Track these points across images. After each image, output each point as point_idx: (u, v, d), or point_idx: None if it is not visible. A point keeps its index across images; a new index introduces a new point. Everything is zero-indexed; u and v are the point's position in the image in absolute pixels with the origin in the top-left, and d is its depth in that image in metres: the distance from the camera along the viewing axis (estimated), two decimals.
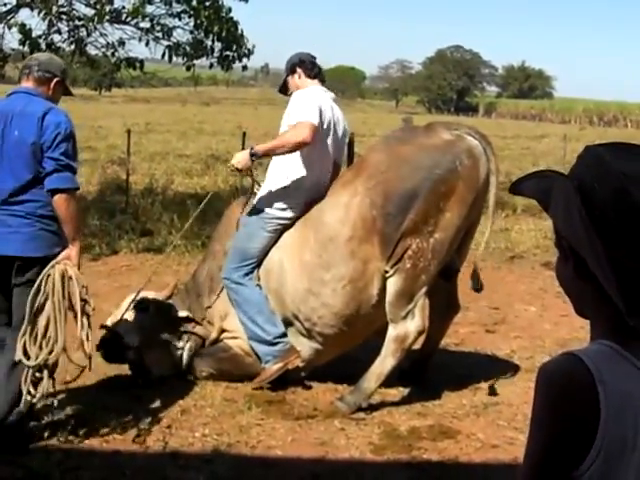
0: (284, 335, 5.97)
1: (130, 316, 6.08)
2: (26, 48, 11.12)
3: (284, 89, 6.38)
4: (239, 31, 12.38)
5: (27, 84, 5.09)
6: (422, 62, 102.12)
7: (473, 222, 5.97)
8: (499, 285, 9.46)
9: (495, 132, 28.95)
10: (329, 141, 6.04)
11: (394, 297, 5.69)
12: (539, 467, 1.65)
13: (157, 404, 5.70)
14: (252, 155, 5.82)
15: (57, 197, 4.82)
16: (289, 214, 5.96)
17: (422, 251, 5.58)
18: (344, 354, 6.17)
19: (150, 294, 6.24)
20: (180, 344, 6.16)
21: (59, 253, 4.93)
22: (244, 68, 13.33)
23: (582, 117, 73.28)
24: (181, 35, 12.47)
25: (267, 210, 5.97)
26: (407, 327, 5.69)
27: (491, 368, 6.71)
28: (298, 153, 5.86)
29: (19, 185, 4.85)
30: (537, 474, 1.66)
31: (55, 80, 5.12)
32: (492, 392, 6.15)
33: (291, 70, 6.25)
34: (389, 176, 5.68)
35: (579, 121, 69.88)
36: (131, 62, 12.55)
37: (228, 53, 12.53)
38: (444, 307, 6.28)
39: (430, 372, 6.34)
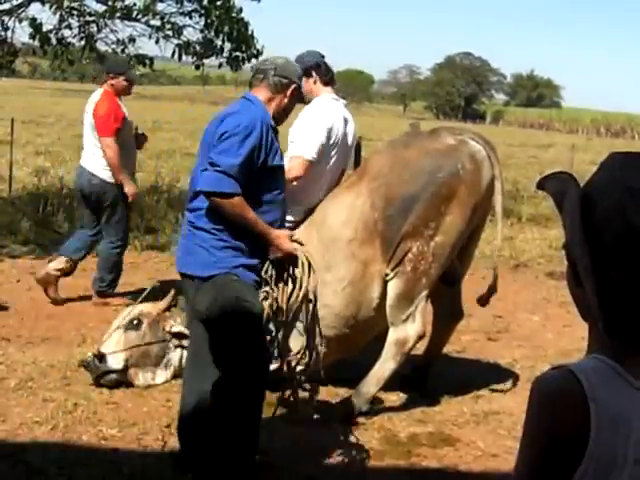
0: None
1: (121, 335, 6.03)
2: (36, 42, 11.13)
3: None
4: (249, 31, 12.38)
5: (254, 90, 4.66)
6: (431, 68, 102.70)
7: (476, 228, 5.96)
8: (502, 293, 9.40)
9: (502, 140, 28.98)
10: (337, 154, 6.03)
11: (394, 300, 5.67)
12: (528, 478, 1.65)
13: (157, 403, 5.69)
14: None
15: (209, 202, 4.33)
16: (294, 216, 5.93)
17: (422, 254, 5.57)
18: (344, 358, 6.15)
19: (147, 306, 6.20)
20: (173, 356, 6.12)
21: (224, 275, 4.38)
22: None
23: (590, 127, 73.31)
24: (191, 34, 12.46)
25: None
26: (407, 331, 5.68)
27: (492, 376, 6.69)
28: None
29: (192, 193, 4.50)
30: None
31: (293, 87, 4.69)
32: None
33: (306, 73, 6.02)
34: (391, 179, 5.67)
35: (586, 131, 69.88)
36: (141, 59, 12.55)
37: (238, 53, 12.52)
38: (447, 314, 6.26)
39: (431, 379, 6.32)
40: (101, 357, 5.89)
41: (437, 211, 5.57)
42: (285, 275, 4.69)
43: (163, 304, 6.17)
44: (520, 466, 1.68)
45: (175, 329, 6.06)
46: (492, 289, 5.96)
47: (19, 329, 7.14)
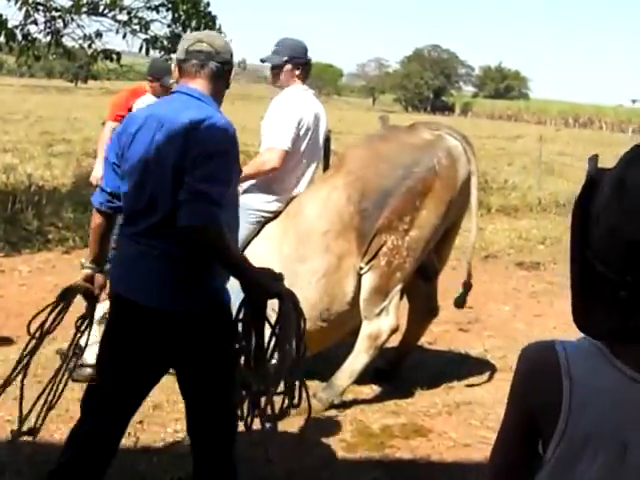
0: None
1: (96, 329, 6.01)
2: (2, 39, 11.04)
3: (274, 67, 6.21)
4: (217, 26, 12.36)
5: (194, 82, 3.81)
6: (399, 61, 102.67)
7: (453, 223, 5.97)
8: (473, 284, 9.45)
9: (471, 132, 29.02)
10: (310, 144, 6.03)
11: (368, 294, 5.69)
12: (506, 441, 1.73)
13: None
14: None
15: (197, 235, 3.50)
16: (271, 207, 5.98)
17: (397, 248, 5.59)
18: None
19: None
20: None
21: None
22: None
23: (557, 118, 73.79)
24: (159, 28, 12.46)
25: (250, 203, 5.96)
26: (380, 325, 5.70)
27: (464, 367, 6.73)
28: None
29: (158, 217, 3.61)
30: (504, 449, 1.74)
31: (232, 72, 3.95)
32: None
33: (296, 64, 6.06)
34: (367, 172, 5.68)
35: (554, 122, 70.29)
36: (108, 54, 12.51)
37: None
38: (422, 309, 6.28)
39: (403, 371, 6.35)
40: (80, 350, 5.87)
41: (412, 206, 5.59)
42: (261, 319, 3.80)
43: None
44: (501, 429, 1.76)
45: None
46: (467, 286, 6.02)
47: None
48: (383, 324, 5.70)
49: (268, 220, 6.00)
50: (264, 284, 3.69)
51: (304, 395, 3.84)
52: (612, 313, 1.61)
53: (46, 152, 19.17)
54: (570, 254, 1.66)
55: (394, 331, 5.81)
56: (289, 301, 3.74)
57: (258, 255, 5.96)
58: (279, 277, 3.81)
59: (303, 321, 3.81)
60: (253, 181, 5.99)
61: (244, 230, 5.94)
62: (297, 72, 6.08)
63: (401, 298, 5.87)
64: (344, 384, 5.76)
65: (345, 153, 6.27)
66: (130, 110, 7.92)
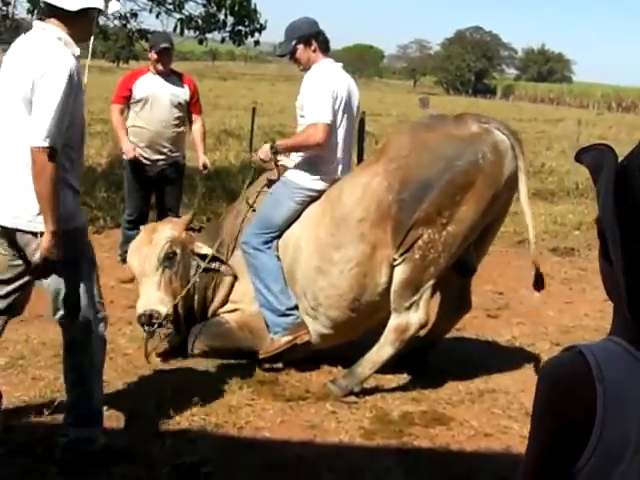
0: (296, 308, 5.93)
1: (160, 276, 5.98)
2: (34, 17, 11.03)
3: (291, 56, 6.23)
4: (252, 5, 12.29)
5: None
6: (441, 43, 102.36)
7: (495, 220, 5.78)
8: (505, 269, 9.36)
9: (512, 115, 28.89)
10: (346, 117, 6.01)
11: (400, 286, 5.57)
12: (538, 464, 1.62)
13: (147, 382, 5.65)
14: (272, 149, 5.96)
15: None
16: (317, 186, 5.93)
17: (433, 242, 5.45)
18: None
19: (167, 227, 6.23)
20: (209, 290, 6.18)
21: None
22: (256, 43, 13.24)
23: (600, 102, 73.00)
24: (193, 8, 12.40)
25: (296, 180, 5.93)
26: (409, 318, 5.59)
27: (491, 354, 6.64)
28: None
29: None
30: (536, 471, 1.63)
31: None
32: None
33: (306, 41, 6.06)
34: (409, 161, 5.55)
35: (597, 106, 69.56)
36: (143, 34, 12.50)
37: (240, 28, 12.43)
38: (455, 304, 6.16)
39: (429, 357, 6.25)
40: (150, 316, 5.84)
41: (452, 200, 5.43)
42: None
43: (187, 219, 6.31)
44: (529, 451, 1.65)
45: (203, 251, 6.14)
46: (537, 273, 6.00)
47: None
48: (412, 318, 5.58)
49: (313, 200, 5.94)
50: None
51: None
52: None
53: None
54: (610, 246, 1.57)
55: (423, 326, 5.69)
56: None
57: (295, 238, 5.92)
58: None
59: None
60: (299, 159, 5.99)
61: (288, 210, 5.91)
62: (312, 47, 6.08)
63: (434, 293, 5.77)
64: (365, 373, 5.67)
65: (388, 139, 6.17)
66: (130, 91, 7.95)
